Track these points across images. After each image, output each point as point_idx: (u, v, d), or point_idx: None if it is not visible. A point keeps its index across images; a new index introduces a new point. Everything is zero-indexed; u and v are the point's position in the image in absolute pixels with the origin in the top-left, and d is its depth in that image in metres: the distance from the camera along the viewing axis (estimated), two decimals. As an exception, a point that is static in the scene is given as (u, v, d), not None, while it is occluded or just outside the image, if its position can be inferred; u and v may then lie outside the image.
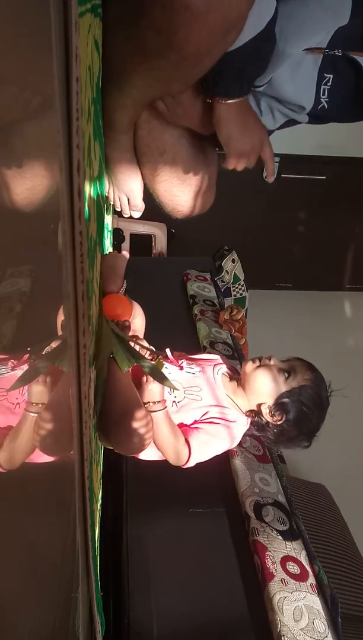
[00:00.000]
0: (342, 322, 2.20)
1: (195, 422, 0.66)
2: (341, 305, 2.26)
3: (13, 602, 0.45)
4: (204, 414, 0.66)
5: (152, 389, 0.58)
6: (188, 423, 0.66)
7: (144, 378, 0.59)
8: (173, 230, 1.82)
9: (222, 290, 1.53)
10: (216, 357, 0.74)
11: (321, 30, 0.54)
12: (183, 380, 0.66)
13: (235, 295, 1.59)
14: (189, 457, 0.62)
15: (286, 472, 1.04)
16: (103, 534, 0.64)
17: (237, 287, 1.60)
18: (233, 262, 1.61)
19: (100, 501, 0.66)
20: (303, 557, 0.78)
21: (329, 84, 0.58)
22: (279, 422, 0.68)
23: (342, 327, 2.14)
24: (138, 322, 0.69)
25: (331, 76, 0.57)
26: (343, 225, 2.14)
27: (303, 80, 0.58)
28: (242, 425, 0.69)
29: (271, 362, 0.67)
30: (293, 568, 0.75)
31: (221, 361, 0.74)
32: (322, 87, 0.58)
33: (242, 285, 1.61)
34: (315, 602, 0.72)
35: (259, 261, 1.87)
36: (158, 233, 1.69)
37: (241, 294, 1.60)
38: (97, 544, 0.57)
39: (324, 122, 0.65)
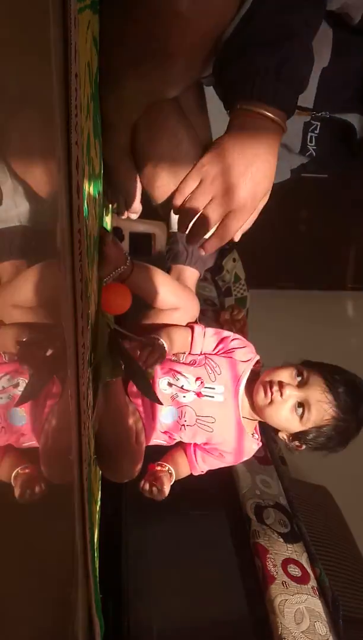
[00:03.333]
0: (344, 322, 2.19)
1: (196, 444, 0.65)
2: (343, 305, 2.25)
3: (12, 604, 0.44)
4: (210, 444, 0.63)
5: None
6: (197, 442, 0.63)
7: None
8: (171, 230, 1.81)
9: (223, 290, 1.52)
10: (249, 358, 0.64)
11: None
12: (198, 408, 0.60)
13: (235, 295, 1.58)
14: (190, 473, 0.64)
15: (288, 473, 1.03)
16: (102, 536, 0.63)
17: (238, 287, 1.59)
18: (234, 261, 1.60)
19: (99, 502, 0.66)
20: (304, 560, 0.77)
21: (317, 131, 0.54)
22: (299, 448, 0.63)
23: (344, 327, 2.13)
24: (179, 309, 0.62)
25: (318, 124, 0.54)
26: (345, 224, 2.13)
27: (288, 128, 0.50)
28: (251, 451, 0.65)
29: (284, 397, 0.57)
30: (294, 570, 0.75)
31: (250, 364, 0.63)
32: (309, 134, 0.54)
33: (243, 285, 1.60)
34: (317, 604, 0.71)
35: (260, 260, 1.86)
36: (158, 232, 1.68)
37: (242, 294, 1.60)
38: (96, 545, 0.56)
39: (318, 172, 0.61)
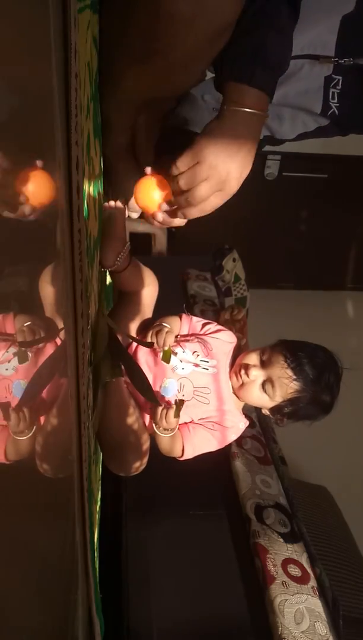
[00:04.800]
0: (344, 322, 2.19)
1: (193, 421, 0.66)
2: (343, 305, 2.25)
3: (12, 603, 0.44)
4: (205, 418, 0.66)
5: (169, 422, 0.59)
6: (187, 421, 0.66)
7: (159, 410, 0.59)
8: (173, 229, 1.82)
9: (223, 290, 1.52)
10: (233, 341, 0.71)
11: (324, 13, 0.49)
12: (194, 380, 0.65)
13: (235, 295, 1.58)
14: (181, 456, 0.64)
15: (288, 473, 1.03)
16: (102, 536, 0.63)
17: (238, 287, 1.59)
18: (234, 261, 1.60)
19: (99, 502, 0.66)
20: (304, 560, 0.77)
21: (339, 87, 0.53)
22: (282, 421, 0.68)
23: (343, 327, 2.13)
24: (148, 292, 0.68)
25: (340, 78, 0.52)
26: (345, 224, 2.13)
27: (308, 84, 0.53)
28: (238, 430, 0.69)
29: (250, 377, 0.64)
30: (294, 570, 0.75)
31: (233, 345, 0.70)
32: (331, 90, 0.53)
33: (243, 285, 1.60)
34: (317, 604, 0.71)
35: (260, 260, 1.87)
36: (158, 232, 1.68)
37: (242, 294, 1.60)
38: (96, 545, 0.56)
39: (344, 132, 0.61)
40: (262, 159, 1.89)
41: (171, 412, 0.60)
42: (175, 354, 0.65)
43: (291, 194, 2.03)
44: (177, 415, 0.60)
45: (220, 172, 0.45)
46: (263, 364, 0.65)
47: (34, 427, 0.49)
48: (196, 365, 0.66)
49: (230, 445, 0.91)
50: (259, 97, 0.46)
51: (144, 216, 0.63)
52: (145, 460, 0.61)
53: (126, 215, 0.71)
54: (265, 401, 0.65)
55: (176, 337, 0.69)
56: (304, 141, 0.70)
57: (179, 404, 0.61)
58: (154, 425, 0.61)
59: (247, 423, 0.69)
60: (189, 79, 0.49)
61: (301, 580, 0.74)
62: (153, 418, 0.60)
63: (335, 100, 0.55)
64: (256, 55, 0.45)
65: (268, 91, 0.47)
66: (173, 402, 0.63)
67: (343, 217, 2.12)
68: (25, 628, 0.45)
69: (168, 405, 0.61)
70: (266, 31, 0.45)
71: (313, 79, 0.54)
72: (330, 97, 0.55)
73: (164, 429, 0.60)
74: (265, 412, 0.69)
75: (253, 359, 0.66)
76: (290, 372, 0.63)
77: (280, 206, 2.07)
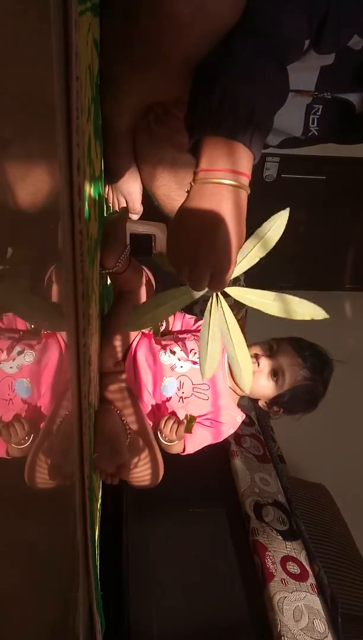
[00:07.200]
0: (342, 322, 2.20)
1: (197, 417, 0.67)
2: (341, 306, 2.26)
3: (13, 601, 0.45)
4: (203, 415, 0.67)
5: (178, 436, 0.61)
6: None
7: (170, 424, 0.60)
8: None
9: (222, 290, 1.52)
10: None
11: (305, 65, 0.51)
12: (193, 377, 0.66)
13: (235, 295, 1.58)
14: (182, 453, 0.66)
15: (286, 472, 1.04)
16: (103, 534, 0.64)
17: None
18: (233, 262, 1.61)
19: (100, 500, 0.66)
20: (303, 557, 0.78)
21: (318, 113, 0.57)
22: (278, 412, 0.69)
23: (342, 327, 2.14)
24: (144, 290, 0.69)
25: (320, 106, 0.56)
26: (343, 225, 2.14)
27: (291, 111, 0.56)
28: (236, 423, 0.70)
29: (259, 367, 0.66)
30: (293, 568, 0.75)
31: None
32: (311, 116, 0.57)
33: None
34: (315, 602, 0.72)
35: (259, 261, 1.87)
36: (159, 233, 1.68)
37: (241, 294, 1.60)
38: (97, 543, 0.57)
39: (316, 144, 0.64)
40: (261, 160, 1.90)
41: (182, 428, 0.61)
42: (173, 352, 0.66)
43: (290, 195, 2.04)
44: (189, 430, 0.61)
45: (191, 258, 0.41)
46: (271, 355, 0.67)
47: (32, 436, 0.50)
48: (194, 362, 0.67)
49: (229, 443, 0.91)
50: (236, 155, 0.39)
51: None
52: (161, 473, 0.62)
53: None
54: (269, 390, 0.67)
55: (172, 334, 0.70)
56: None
57: (191, 420, 0.61)
58: (159, 434, 0.62)
59: (244, 416, 0.71)
60: (190, 82, 0.49)
61: (300, 577, 0.74)
62: (162, 429, 0.61)
63: (315, 125, 0.58)
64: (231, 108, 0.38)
65: (250, 147, 0.40)
66: (182, 417, 0.64)
67: (342, 218, 2.13)
68: (26, 625, 0.46)
69: (176, 418, 0.62)
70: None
71: (294, 107, 0.56)
72: (311, 122, 0.57)
73: (170, 440, 0.61)
74: (262, 404, 0.70)
75: (259, 349, 0.68)
76: (299, 360, 0.66)
77: (279, 207, 2.07)
